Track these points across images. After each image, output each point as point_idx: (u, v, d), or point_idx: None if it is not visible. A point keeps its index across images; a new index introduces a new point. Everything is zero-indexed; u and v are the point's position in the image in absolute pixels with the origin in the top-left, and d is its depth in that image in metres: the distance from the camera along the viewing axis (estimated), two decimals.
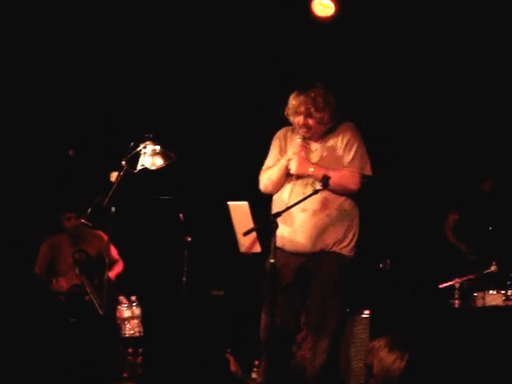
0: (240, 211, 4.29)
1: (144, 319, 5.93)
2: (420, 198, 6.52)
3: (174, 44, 6.32)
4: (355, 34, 6.17)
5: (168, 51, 6.35)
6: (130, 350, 5.72)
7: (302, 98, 4.33)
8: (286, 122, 4.52)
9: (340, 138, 4.39)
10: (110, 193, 4.64)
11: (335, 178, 4.26)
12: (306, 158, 4.33)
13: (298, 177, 4.34)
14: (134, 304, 5.82)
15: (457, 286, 5.51)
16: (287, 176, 4.39)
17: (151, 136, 4.84)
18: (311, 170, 4.30)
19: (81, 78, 6.41)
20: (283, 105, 4.46)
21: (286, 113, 4.42)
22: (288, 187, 4.39)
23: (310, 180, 4.32)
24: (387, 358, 2.54)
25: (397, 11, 6.03)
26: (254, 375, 5.34)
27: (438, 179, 6.54)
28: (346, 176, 4.33)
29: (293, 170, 4.32)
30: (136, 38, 6.27)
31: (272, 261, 4.07)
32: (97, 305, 5.68)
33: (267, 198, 4.53)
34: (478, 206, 6.28)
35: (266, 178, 4.47)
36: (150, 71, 6.42)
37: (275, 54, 6.29)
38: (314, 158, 4.39)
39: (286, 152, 4.46)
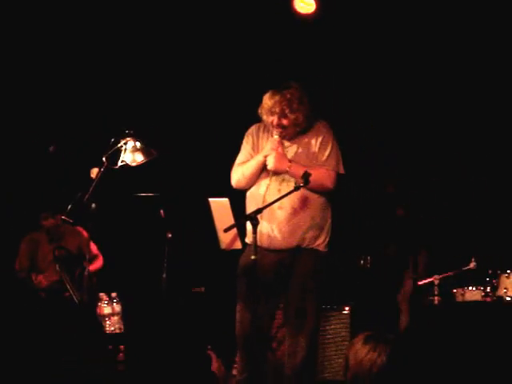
0: (221, 208, 4.28)
1: (124, 316, 5.92)
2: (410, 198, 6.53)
3: (153, 41, 6.30)
4: (337, 30, 6.18)
5: (147, 48, 6.33)
6: (111, 347, 5.71)
7: (277, 98, 4.31)
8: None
9: (315, 137, 4.40)
10: (91, 189, 4.62)
11: (313, 175, 4.28)
12: (283, 155, 4.34)
13: (275, 174, 4.34)
14: (115, 301, 5.81)
15: (436, 282, 5.56)
16: (262, 172, 4.40)
17: (132, 132, 4.82)
18: (288, 167, 4.31)
19: (61, 73, 6.37)
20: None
21: (259, 112, 4.41)
22: (263, 183, 4.38)
23: (286, 176, 4.33)
24: (361, 350, 2.62)
25: (378, 8, 6.05)
26: (234, 372, 5.33)
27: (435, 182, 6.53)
28: (323, 174, 4.34)
29: (270, 165, 4.32)
30: (115, 34, 6.24)
31: (253, 257, 4.07)
32: (76, 301, 5.67)
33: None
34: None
35: (240, 174, 4.46)
36: (131, 67, 6.40)
37: (256, 50, 6.29)
38: (289, 155, 4.39)
39: (258, 148, 4.46)
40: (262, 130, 4.49)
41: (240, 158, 4.52)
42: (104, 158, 4.69)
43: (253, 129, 4.54)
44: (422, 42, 6.12)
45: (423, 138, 6.44)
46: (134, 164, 4.83)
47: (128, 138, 4.79)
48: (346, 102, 6.33)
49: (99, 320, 5.72)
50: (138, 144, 4.81)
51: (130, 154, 4.80)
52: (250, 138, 4.52)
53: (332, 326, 5.39)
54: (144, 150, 4.84)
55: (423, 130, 6.42)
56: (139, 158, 4.83)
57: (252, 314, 4.17)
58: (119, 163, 4.77)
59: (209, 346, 5.76)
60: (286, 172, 4.31)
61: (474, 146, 6.31)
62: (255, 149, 4.47)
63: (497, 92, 6.20)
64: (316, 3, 5.75)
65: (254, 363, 4.34)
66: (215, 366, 5.30)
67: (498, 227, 6.01)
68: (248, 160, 4.45)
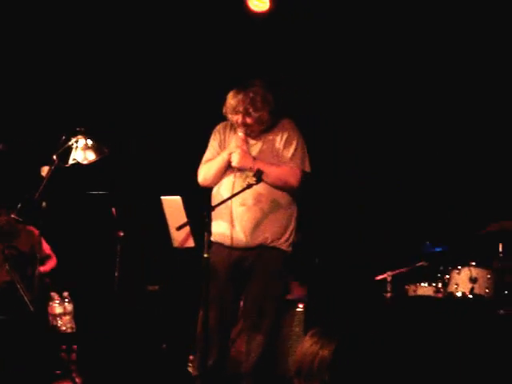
0: (173, 205, 4.29)
1: (76, 315, 5.87)
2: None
3: (106, 35, 6.25)
4: (291, 28, 6.20)
5: (100, 43, 6.28)
6: (64, 347, 5.65)
7: (240, 97, 4.34)
8: (219, 117, 4.53)
9: (280, 135, 4.43)
10: (41, 187, 4.57)
11: (276, 173, 4.31)
12: (247, 152, 4.36)
13: (239, 170, 4.35)
14: (66, 300, 5.75)
15: (388, 279, 5.61)
16: (227, 169, 4.40)
17: (83, 130, 4.78)
18: (252, 164, 4.31)
19: (10, 70, 6.28)
20: (218, 100, 4.46)
21: (224, 111, 4.41)
22: (227, 183, 4.39)
23: (250, 174, 4.33)
24: (307, 342, 2.73)
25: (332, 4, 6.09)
26: (189, 369, 5.33)
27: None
28: (287, 172, 4.36)
29: (234, 162, 4.34)
30: (66, 31, 6.18)
31: (205, 255, 4.07)
32: (27, 301, 5.60)
33: (201, 193, 4.53)
34: None
35: (206, 171, 4.48)
36: (83, 64, 6.34)
37: (210, 48, 6.28)
38: (254, 152, 4.41)
39: (225, 145, 4.48)
40: (229, 127, 4.52)
41: (207, 155, 4.54)
42: (55, 156, 4.64)
43: (220, 126, 4.56)
44: (380, 33, 6.17)
45: (372, 133, 6.50)
46: (85, 162, 4.78)
47: (79, 136, 4.75)
48: (306, 98, 6.36)
49: (50, 321, 5.66)
50: (90, 142, 4.77)
51: (82, 152, 4.75)
52: (217, 135, 4.54)
53: (286, 324, 5.41)
54: (95, 148, 4.79)
55: (373, 122, 6.48)
56: (91, 156, 4.78)
57: (212, 312, 4.17)
58: (70, 161, 4.72)
59: (164, 345, 5.75)
60: (250, 169, 4.32)
61: (424, 142, 6.39)
62: (222, 146, 4.49)
63: (456, 83, 6.28)
64: (270, 1, 5.77)
65: (212, 361, 4.33)
66: None
67: (449, 224, 6.08)
68: (215, 157, 4.46)
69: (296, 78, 6.28)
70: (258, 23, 5.96)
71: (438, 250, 5.67)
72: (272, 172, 4.30)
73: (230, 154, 4.36)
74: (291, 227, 4.44)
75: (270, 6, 5.81)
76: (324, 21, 6.17)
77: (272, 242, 4.36)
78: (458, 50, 6.11)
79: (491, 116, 6.19)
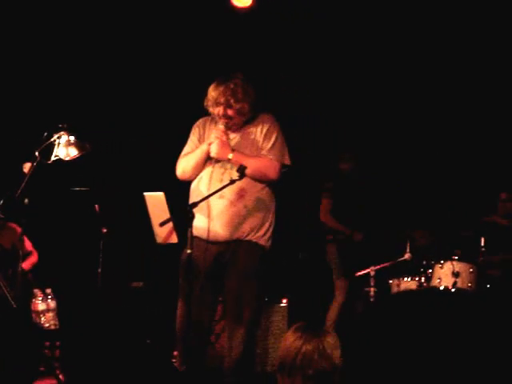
0: (156, 202, 4.26)
1: (60, 312, 5.86)
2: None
3: (88, 32, 6.24)
4: (274, 23, 6.22)
5: (82, 39, 6.27)
6: (47, 344, 5.64)
7: (221, 89, 4.34)
8: (201, 113, 4.53)
9: (259, 127, 4.43)
10: (23, 184, 4.57)
11: (255, 165, 4.30)
12: (226, 143, 4.36)
13: (217, 162, 4.35)
14: (49, 297, 5.74)
15: (372, 273, 5.64)
16: (206, 162, 4.40)
17: (65, 126, 4.76)
18: (231, 155, 4.31)
19: None
20: (201, 96, 4.46)
21: (205, 104, 4.42)
22: (205, 177, 4.39)
23: (228, 167, 4.33)
24: (290, 337, 2.73)
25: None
26: (175, 365, 5.33)
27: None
28: (266, 164, 4.36)
29: (213, 153, 4.33)
30: (50, 25, 6.15)
31: (189, 251, 4.06)
32: (10, 298, 5.58)
33: (184, 189, 4.53)
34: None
35: (184, 164, 4.47)
36: (65, 60, 6.32)
37: (193, 43, 6.28)
38: (233, 144, 4.41)
39: (204, 140, 4.48)
40: (209, 122, 4.52)
41: (186, 149, 4.53)
42: (37, 153, 4.63)
43: (200, 121, 4.56)
44: (377, 31, 6.21)
45: (360, 130, 6.54)
46: (67, 158, 4.78)
47: (61, 132, 4.74)
48: (289, 93, 6.39)
49: (33, 318, 5.64)
50: (72, 138, 4.76)
51: (64, 149, 4.75)
52: (197, 129, 4.54)
53: (270, 319, 5.42)
54: (78, 144, 4.79)
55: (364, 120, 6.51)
56: (73, 153, 4.78)
57: (192, 308, 4.16)
58: (52, 158, 4.71)
59: (147, 341, 5.75)
60: (229, 160, 4.32)
61: (410, 139, 6.43)
62: (201, 140, 4.49)
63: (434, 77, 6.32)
64: None
65: (194, 357, 4.33)
66: None
67: (432, 218, 6.12)
68: (194, 151, 4.46)
69: (293, 77, 6.31)
70: (240, 19, 5.96)
71: None
72: (251, 164, 4.30)
73: (209, 145, 4.36)
74: (269, 222, 4.42)
75: (253, 1, 5.82)
76: (307, 17, 6.19)
77: (248, 235, 4.35)
78: (457, 50, 6.16)
79: (477, 119, 6.26)
